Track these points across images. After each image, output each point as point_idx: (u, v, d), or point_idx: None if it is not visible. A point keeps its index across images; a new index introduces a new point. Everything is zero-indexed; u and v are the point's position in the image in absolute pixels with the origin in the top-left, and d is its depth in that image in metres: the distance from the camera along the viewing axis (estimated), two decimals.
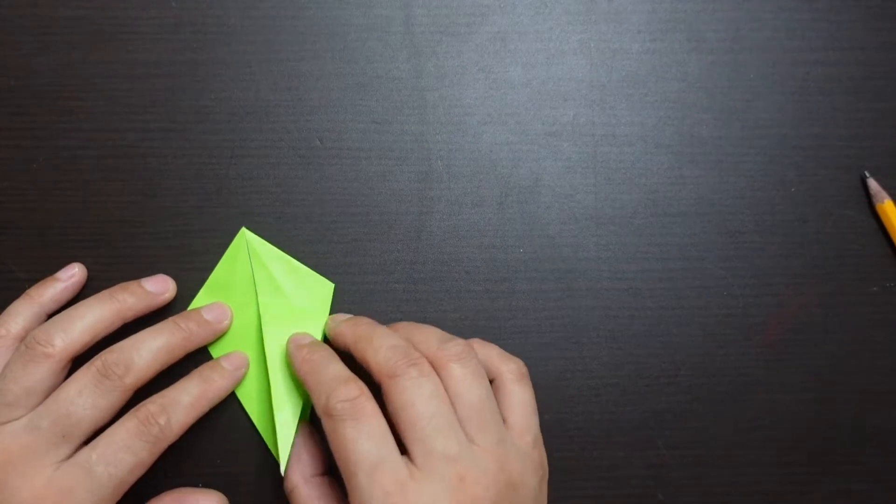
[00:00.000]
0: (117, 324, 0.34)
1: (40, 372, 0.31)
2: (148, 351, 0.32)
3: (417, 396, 0.30)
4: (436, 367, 0.31)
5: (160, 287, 0.36)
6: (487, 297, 0.37)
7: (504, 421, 0.32)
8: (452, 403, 0.30)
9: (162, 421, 0.31)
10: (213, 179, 0.38)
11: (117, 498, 0.30)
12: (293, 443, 0.34)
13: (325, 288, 0.37)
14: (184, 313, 0.35)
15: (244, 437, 0.36)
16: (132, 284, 0.35)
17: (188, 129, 0.38)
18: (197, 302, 0.37)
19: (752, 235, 0.38)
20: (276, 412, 0.34)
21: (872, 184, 0.38)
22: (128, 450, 0.30)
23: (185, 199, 0.37)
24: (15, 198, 0.37)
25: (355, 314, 0.36)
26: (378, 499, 0.28)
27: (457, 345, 0.32)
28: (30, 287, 0.35)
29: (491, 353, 0.34)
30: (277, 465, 0.36)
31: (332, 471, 0.34)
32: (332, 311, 0.37)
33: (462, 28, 0.39)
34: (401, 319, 0.37)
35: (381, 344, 0.32)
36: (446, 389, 0.31)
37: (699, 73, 0.39)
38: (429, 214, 0.38)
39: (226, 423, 0.36)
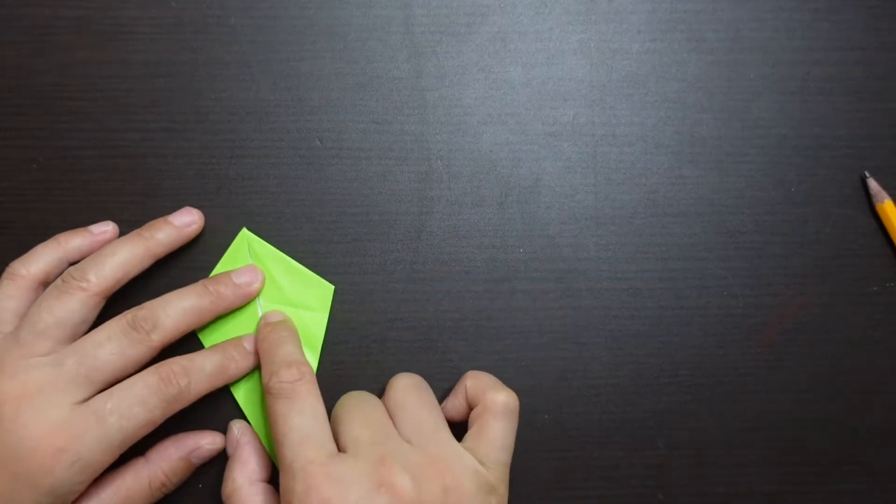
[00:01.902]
0: (148, 261, 0.34)
1: (73, 303, 0.32)
2: (175, 311, 0.33)
3: (351, 398, 0.32)
4: (386, 391, 0.33)
5: (187, 219, 0.36)
6: (487, 297, 0.37)
7: (465, 442, 0.32)
8: (391, 413, 0.32)
9: (182, 382, 0.32)
10: (213, 179, 0.38)
11: (122, 450, 0.31)
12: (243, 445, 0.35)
13: (325, 289, 0.37)
14: (214, 277, 0.35)
15: None
16: (159, 221, 0.36)
17: (188, 129, 0.38)
18: None
19: (752, 235, 0.38)
20: None
21: (872, 184, 0.38)
22: (143, 405, 0.31)
23: (185, 199, 0.37)
24: (15, 198, 0.37)
25: (355, 314, 0.37)
26: (300, 468, 0.29)
27: (397, 388, 0.33)
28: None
29: (483, 383, 0.34)
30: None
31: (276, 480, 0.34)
32: (331, 313, 0.37)
33: (462, 28, 0.39)
34: (401, 319, 0.37)
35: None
36: (392, 417, 0.32)
37: (699, 73, 0.39)
38: (429, 214, 0.38)
39: (223, 424, 0.36)
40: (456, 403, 0.34)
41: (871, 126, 0.39)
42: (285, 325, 0.35)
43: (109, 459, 0.31)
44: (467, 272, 0.38)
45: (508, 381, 0.34)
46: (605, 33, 0.39)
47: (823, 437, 0.37)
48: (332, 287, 0.37)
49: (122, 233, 0.37)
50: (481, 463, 0.31)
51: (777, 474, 0.37)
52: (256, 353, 0.35)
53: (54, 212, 0.37)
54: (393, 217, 0.38)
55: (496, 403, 0.32)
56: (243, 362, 0.35)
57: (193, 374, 0.32)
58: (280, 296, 0.36)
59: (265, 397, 0.32)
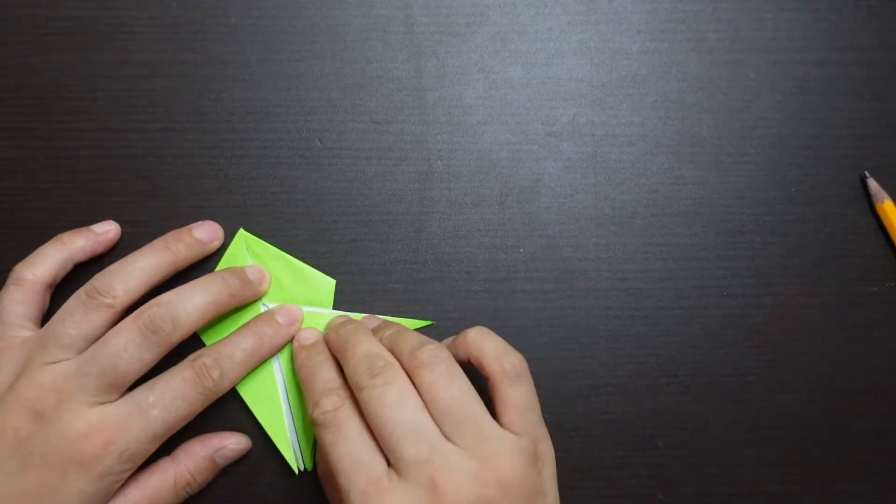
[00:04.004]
0: (171, 273, 0.35)
1: (100, 320, 0.32)
2: (195, 308, 0.33)
3: (381, 407, 0.31)
4: (409, 375, 0.32)
5: (209, 235, 0.36)
6: (487, 297, 0.37)
7: (498, 419, 0.32)
8: (428, 408, 0.31)
9: (216, 375, 0.33)
10: (213, 179, 0.38)
11: (164, 440, 0.32)
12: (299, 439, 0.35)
13: (326, 284, 0.37)
14: (230, 269, 0.36)
15: (251, 437, 0.36)
16: (184, 233, 0.36)
17: (188, 129, 0.38)
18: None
19: (752, 235, 0.38)
20: (283, 410, 0.35)
21: (872, 184, 0.38)
22: (183, 398, 0.32)
23: (185, 199, 0.37)
24: (15, 198, 0.37)
25: (355, 315, 0.37)
26: (356, 497, 0.29)
27: (425, 351, 0.32)
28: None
29: (486, 352, 0.33)
30: (284, 463, 0.36)
31: None
32: (335, 308, 0.37)
33: (462, 28, 0.39)
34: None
35: (352, 355, 0.32)
36: (421, 396, 0.31)
37: (699, 73, 0.39)
38: (429, 214, 0.38)
39: (231, 423, 0.36)
40: (453, 354, 0.34)
41: (871, 126, 0.39)
42: (319, 348, 0.35)
43: (153, 448, 0.32)
44: (467, 272, 0.38)
45: None
46: (605, 33, 0.39)
47: (823, 437, 0.37)
48: (334, 281, 0.37)
49: (122, 232, 0.37)
50: (519, 433, 0.31)
51: (777, 474, 0.37)
52: (294, 324, 0.36)
53: (54, 212, 0.37)
54: (393, 217, 0.38)
55: (506, 372, 0.32)
56: (277, 338, 0.35)
57: (225, 364, 0.33)
58: (283, 294, 0.36)
59: (312, 427, 0.32)
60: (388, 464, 0.30)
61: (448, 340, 0.35)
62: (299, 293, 0.37)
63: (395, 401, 0.30)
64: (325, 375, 0.33)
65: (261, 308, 0.36)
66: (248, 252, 0.37)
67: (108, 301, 0.33)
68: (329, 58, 0.39)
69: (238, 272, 0.35)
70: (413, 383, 0.31)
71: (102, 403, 0.31)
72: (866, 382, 0.37)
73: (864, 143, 0.39)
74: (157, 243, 0.35)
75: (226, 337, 0.35)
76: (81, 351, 0.32)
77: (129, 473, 0.32)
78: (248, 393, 0.35)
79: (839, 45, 0.40)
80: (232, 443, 0.35)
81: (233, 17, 0.39)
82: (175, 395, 0.32)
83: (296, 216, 0.38)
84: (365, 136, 0.38)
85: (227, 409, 0.36)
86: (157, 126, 0.38)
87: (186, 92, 0.38)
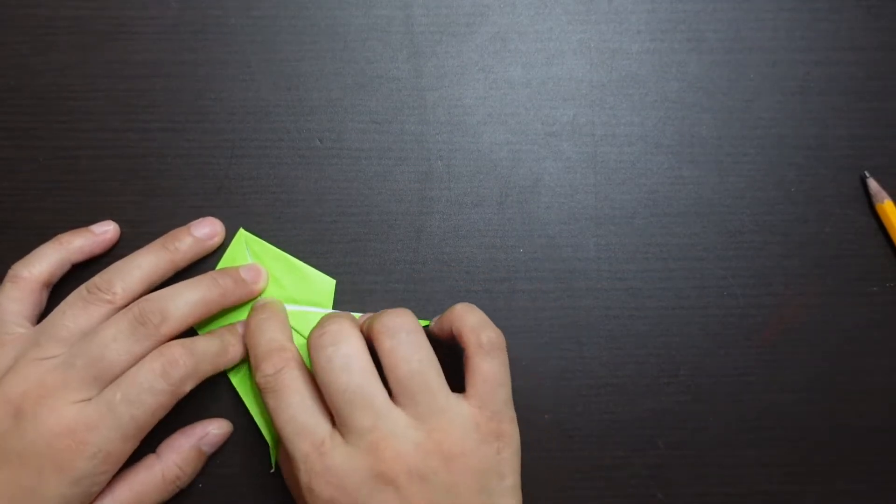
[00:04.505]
0: (171, 272, 0.35)
1: (98, 316, 0.32)
2: (185, 303, 0.33)
3: (328, 371, 0.31)
4: (373, 341, 0.32)
5: (209, 231, 0.36)
6: (487, 297, 0.37)
7: (465, 392, 0.32)
8: (386, 374, 0.31)
9: (188, 363, 0.32)
10: (213, 179, 0.38)
11: (141, 437, 0.32)
12: None
13: (326, 284, 0.37)
14: (222, 270, 0.36)
15: (249, 434, 0.36)
16: (182, 232, 0.36)
17: (188, 129, 0.38)
18: None
19: (752, 235, 0.38)
20: None
21: (872, 184, 0.38)
22: (150, 391, 0.31)
23: (185, 199, 0.37)
24: (15, 198, 0.37)
25: (355, 315, 0.37)
26: (300, 460, 0.30)
27: (387, 316, 0.32)
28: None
29: (466, 323, 0.33)
30: (267, 457, 0.36)
31: None
32: (335, 308, 0.37)
33: (462, 28, 0.39)
34: None
35: (318, 324, 0.33)
36: (382, 361, 0.31)
37: (699, 73, 0.39)
38: (429, 214, 0.38)
39: (222, 412, 0.36)
40: (439, 328, 0.34)
41: (871, 126, 0.39)
42: (267, 306, 0.35)
43: (130, 447, 0.31)
44: (467, 272, 0.38)
45: None
46: (605, 33, 0.39)
47: (823, 437, 0.37)
48: (334, 281, 0.37)
49: (122, 232, 0.37)
50: (481, 407, 0.31)
51: (777, 474, 0.37)
52: (254, 284, 0.36)
53: (54, 212, 0.37)
54: (393, 217, 0.38)
55: (481, 344, 0.32)
56: (239, 346, 0.35)
57: (197, 356, 0.33)
58: (282, 293, 0.36)
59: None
60: (333, 424, 0.31)
61: (437, 318, 0.35)
62: (299, 293, 0.37)
63: (343, 364, 0.31)
64: (269, 335, 0.33)
65: None
66: (248, 252, 0.37)
67: (108, 297, 0.33)
68: (329, 58, 0.39)
69: (230, 272, 0.35)
70: (376, 349, 0.31)
71: (82, 401, 0.31)
72: (866, 382, 0.37)
73: (864, 143, 0.39)
74: (157, 243, 0.35)
75: (197, 336, 0.34)
76: (73, 344, 0.32)
77: (107, 476, 0.31)
78: (240, 384, 0.36)
79: (839, 45, 0.40)
80: (214, 428, 0.35)
81: (233, 17, 0.39)
82: (142, 388, 0.31)
83: (296, 216, 0.38)
84: (365, 136, 0.38)
85: (207, 404, 0.36)
86: (157, 126, 0.38)
87: (186, 92, 0.38)
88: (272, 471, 0.35)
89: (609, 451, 0.37)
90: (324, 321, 0.33)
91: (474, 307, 0.34)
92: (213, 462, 0.36)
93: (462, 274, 0.38)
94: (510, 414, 0.32)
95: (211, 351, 0.33)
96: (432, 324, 0.35)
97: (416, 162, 0.38)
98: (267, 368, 0.32)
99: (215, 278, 0.34)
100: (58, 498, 0.30)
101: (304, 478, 0.30)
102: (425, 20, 0.39)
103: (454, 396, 0.31)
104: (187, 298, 0.33)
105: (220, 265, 0.37)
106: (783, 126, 0.39)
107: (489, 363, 0.32)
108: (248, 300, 0.36)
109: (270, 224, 0.37)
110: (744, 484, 0.37)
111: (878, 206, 0.38)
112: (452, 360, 0.33)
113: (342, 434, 0.30)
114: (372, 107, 0.38)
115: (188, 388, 0.32)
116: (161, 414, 0.32)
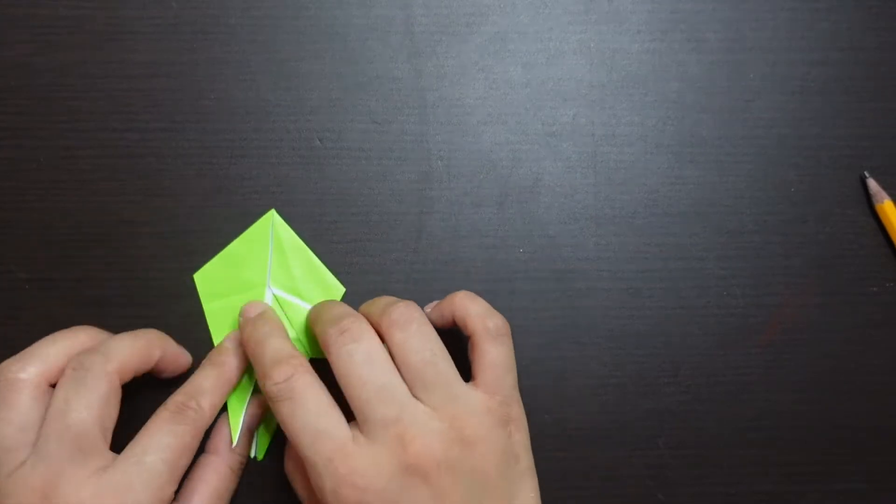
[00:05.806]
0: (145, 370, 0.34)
1: (23, 402, 0.30)
2: (120, 340, 0.32)
3: (349, 365, 0.30)
4: (381, 334, 0.32)
5: (177, 364, 0.35)
6: (487, 297, 0.37)
7: (473, 379, 0.32)
8: (398, 367, 0.31)
9: (193, 405, 0.31)
10: (213, 179, 0.38)
11: (176, 480, 0.30)
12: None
13: (335, 290, 0.37)
14: (161, 335, 0.35)
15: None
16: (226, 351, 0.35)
17: (188, 129, 0.38)
18: (208, 269, 0.37)
19: (752, 235, 0.38)
20: (249, 391, 0.35)
21: (872, 184, 0.38)
22: (170, 433, 0.30)
23: (185, 199, 0.37)
24: (15, 198, 0.37)
25: None
26: (322, 466, 0.29)
27: (397, 309, 0.32)
28: (30, 288, 0.35)
29: (471, 311, 0.33)
30: (269, 453, 0.36)
31: None
32: None
33: (462, 28, 0.39)
34: None
35: (323, 317, 0.32)
36: (392, 355, 0.31)
37: (699, 73, 0.39)
38: (429, 214, 0.38)
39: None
40: (439, 315, 0.34)
41: (871, 126, 0.39)
42: (266, 318, 0.34)
43: (167, 494, 0.30)
44: (467, 272, 0.38)
45: None
46: (605, 33, 0.39)
47: (823, 437, 0.37)
48: (343, 289, 0.37)
49: (122, 232, 0.37)
50: (492, 393, 0.31)
51: (777, 474, 0.37)
52: (241, 346, 0.35)
53: (54, 212, 0.37)
54: (393, 217, 0.38)
55: (488, 330, 0.32)
56: (235, 361, 0.34)
57: (198, 396, 0.32)
58: (291, 284, 0.36)
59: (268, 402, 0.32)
60: (351, 425, 0.30)
61: (433, 304, 0.35)
62: (306, 289, 0.37)
63: (364, 359, 0.30)
64: (275, 345, 0.32)
65: (266, 293, 0.36)
66: (272, 233, 0.37)
67: (21, 376, 0.30)
68: (329, 58, 0.39)
69: (166, 341, 0.34)
70: (384, 342, 0.31)
71: (93, 474, 0.29)
72: (866, 382, 0.37)
73: (864, 143, 0.39)
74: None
75: (191, 377, 0.34)
76: (30, 444, 0.30)
77: None
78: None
79: (839, 45, 0.40)
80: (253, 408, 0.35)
81: (233, 17, 0.39)
82: (161, 433, 0.30)
83: (296, 216, 0.38)
84: (365, 136, 0.38)
85: None
86: (157, 126, 0.38)
87: (186, 92, 0.38)
88: (258, 458, 0.35)
89: (609, 451, 0.37)
90: (337, 315, 0.32)
91: (475, 295, 0.34)
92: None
93: (462, 274, 0.38)
94: (517, 398, 0.33)
95: (208, 385, 0.33)
96: (429, 312, 0.35)
97: (416, 162, 0.38)
98: (277, 376, 0.31)
99: (159, 335, 0.34)
100: None
101: (328, 483, 0.29)
102: (425, 20, 0.39)
103: (465, 384, 0.32)
104: (122, 339, 0.32)
105: (240, 239, 0.37)
106: (783, 126, 0.39)
107: (497, 349, 0.32)
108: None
109: None
110: (744, 484, 0.37)
111: (878, 206, 0.38)
112: (452, 348, 0.33)
113: (363, 432, 0.30)
114: (372, 107, 0.38)
115: (204, 425, 0.32)
116: (190, 455, 0.31)
